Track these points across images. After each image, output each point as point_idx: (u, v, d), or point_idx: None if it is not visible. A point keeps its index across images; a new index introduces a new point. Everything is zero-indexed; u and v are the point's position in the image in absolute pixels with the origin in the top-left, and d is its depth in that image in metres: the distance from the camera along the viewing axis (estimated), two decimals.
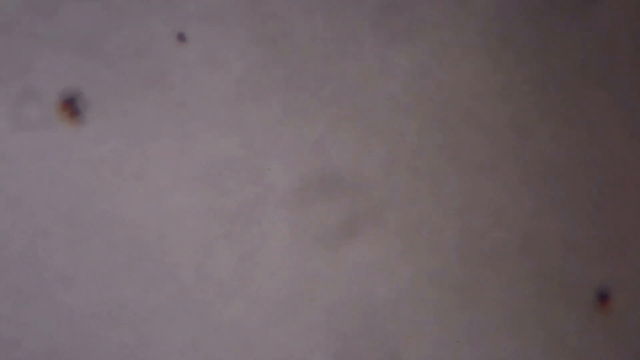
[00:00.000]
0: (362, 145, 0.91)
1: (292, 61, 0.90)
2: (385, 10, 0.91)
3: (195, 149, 0.88)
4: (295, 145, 0.90)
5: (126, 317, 0.87)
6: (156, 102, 0.87)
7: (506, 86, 0.94)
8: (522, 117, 0.94)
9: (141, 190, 0.87)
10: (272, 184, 0.90)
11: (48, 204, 0.86)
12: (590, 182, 0.96)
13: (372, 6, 0.91)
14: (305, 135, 0.90)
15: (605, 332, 0.96)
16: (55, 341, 0.86)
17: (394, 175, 0.92)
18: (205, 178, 0.88)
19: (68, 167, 0.86)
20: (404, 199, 0.92)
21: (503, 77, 0.94)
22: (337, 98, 0.91)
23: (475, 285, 0.93)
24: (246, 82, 0.89)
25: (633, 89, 0.97)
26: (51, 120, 0.86)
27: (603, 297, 0.96)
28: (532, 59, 0.94)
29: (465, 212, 0.93)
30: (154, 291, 0.87)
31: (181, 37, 0.88)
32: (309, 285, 0.90)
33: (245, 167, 0.89)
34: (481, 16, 0.93)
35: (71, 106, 0.86)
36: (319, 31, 0.90)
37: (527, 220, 0.94)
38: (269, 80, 0.89)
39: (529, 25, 0.94)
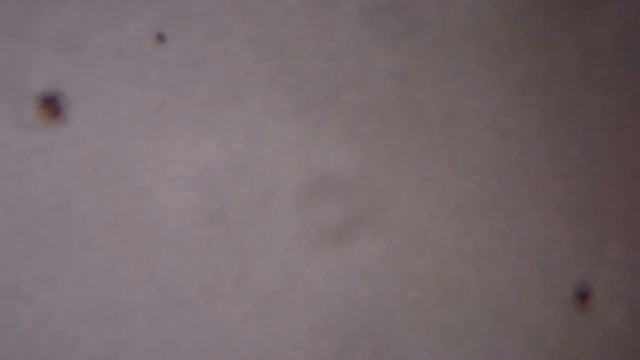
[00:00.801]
0: (342, 148, 0.91)
1: (272, 62, 0.90)
2: (366, 11, 0.92)
3: (175, 150, 0.88)
4: (275, 147, 0.90)
5: (106, 317, 0.87)
6: (136, 102, 0.87)
7: (487, 87, 0.94)
8: (502, 118, 0.95)
9: (121, 190, 0.87)
10: (253, 185, 0.90)
11: (28, 203, 0.86)
12: (570, 181, 0.96)
13: (352, 8, 0.91)
14: (285, 137, 0.90)
15: (585, 330, 0.97)
16: (34, 341, 0.86)
17: (375, 177, 0.92)
18: (185, 178, 0.88)
19: (48, 167, 0.86)
20: (385, 200, 0.92)
21: (484, 78, 0.94)
22: (317, 100, 0.91)
23: (457, 284, 0.94)
24: (226, 83, 0.89)
25: (613, 90, 0.97)
26: (32, 120, 0.86)
27: (583, 296, 0.96)
28: (513, 60, 0.95)
29: (447, 213, 0.93)
30: (135, 291, 0.87)
31: (160, 38, 0.88)
32: (292, 286, 0.91)
33: (225, 167, 0.89)
34: (462, 18, 0.94)
35: (52, 106, 0.86)
36: (300, 32, 0.90)
37: (507, 220, 0.95)
38: (248, 81, 0.89)
39: (509, 28, 0.95)
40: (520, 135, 0.95)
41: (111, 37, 0.87)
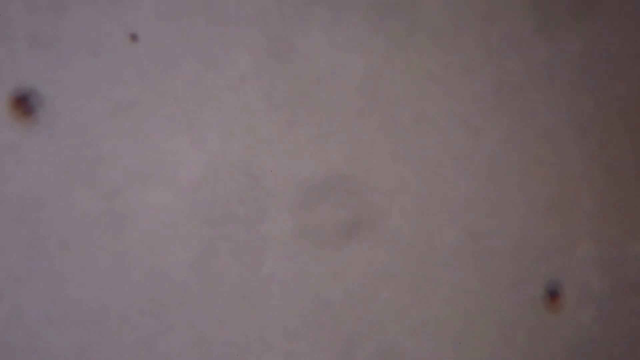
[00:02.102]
0: (314, 147, 0.91)
1: (245, 62, 0.90)
2: (338, 12, 0.92)
3: (148, 148, 0.88)
4: (247, 145, 0.90)
5: (78, 317, 0.86)
6: (109, 101, 0.87)
7: (458, 88, 0.95)
8: (473, 118, 0.95)
9: (94, 189, 0.87)
10: (228, 182, 0.90)
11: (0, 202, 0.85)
12: (540, 181, 0.97)
13: (324, 8, 0.92)
14: (258, 136, 0.90)
15: (555, 328, 0.97)
16: (4, 341, 0.85)
17: (347, 175, 0.92)
18: (158, 177, 0.88)
19: (20, 166, 0.85)
20: (356, 199, 0.92)
21: (454, 79, 0.95)
22: (290, 99, 0.91)
23: (428, 283, 0.94)
24: (198, 82, 0.89)
25: (581, 91, 0.98)
26: (4, 118, 0.85)
27: (553, 294, 0.97)
28: (483, 61, 0.95)
29: (418, 212, 0.94)
30: (107, 291, 0.87)
31: (134, 37, 0.88)
32: (266, 287, 0.91)
33: (199, 165, 0.89)
34: (432, 20, 0.94)
35: (24, 104, 0.86)
36: (272, 32, 0.90)
37: (478, 219, 0.95)
38: (221, 80, 0.89)
39: (479, 29, 0.95)
40: (491, 136, 0.96)
41: (85, 36, 0.86)
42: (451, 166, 0.94)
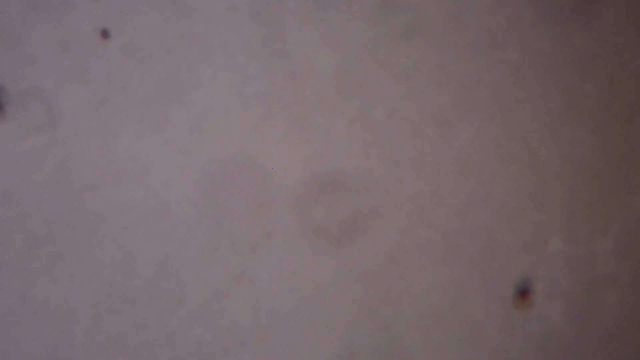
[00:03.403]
0: (287, 143, 0.91)
1: (217, 58, 0.90)
2: (310, 8, 0.92)
3: (119, 146, 0.87)
4: (219, 142, 0.90)
5: (48, 315, 0.86)
6: (79, 98, 0.86)
7: (430, 85, 0.95)
8: (444, 116, 0.95)
9: (63, 186, 0.86)
10: (200, 179, 0.89)
11: None
12: (511, 178, 0.97)
13: (298, 4, 0.91)
14: (229, 133, 0.90)
15: (525, 326, 0.98)
16: None
17: (319, 173, 0.92)
18: (128, 174, 0.88)
19: None
20: (328, 195, 0.92)
21: (427, 76, 0.95)
22: (262, 96, 0.91)
23: (398, 281, 0.94)
24: (170, 79, 0.88)
25: (553, 88, 0.98)
26: None
27: (523, 292, 0.97)
28: (454, 59, 0.96)
29: (389, 210, 0.94)
30: (77, 289, 0.86)
31: (104, 34, 0.87)
32: (237, 285, 0.91)
33: (169, 163, 0.89)
34: (405, 16, 0.94)
35: None
36: (244, 28, 0.90)
37: (448, 217, 0.96)
38: (192, 77, 0.89)
39: (451, 27, 0.96)
40: (462, 133, 0.96)
41: (54, 33, 0.86)
42: (422, 163, 0.95)
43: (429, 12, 0.95)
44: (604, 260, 1.00)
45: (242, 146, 0.90)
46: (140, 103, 0.88)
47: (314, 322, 0.92)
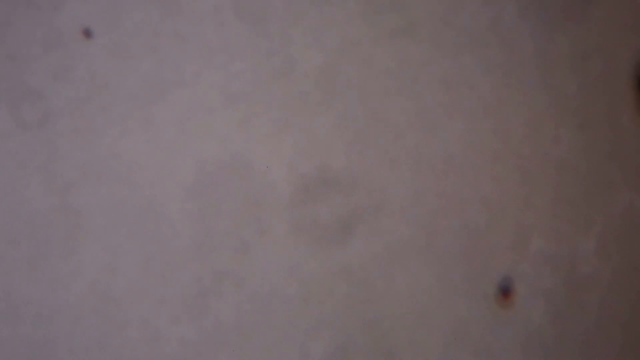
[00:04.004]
0: (271, 142, 0.91)
1: (200, 57, 0.89)
2: (295, 7, 0.92)
3: (102, 145, 0.87)
4: (203, 140, 0.90)
5: (31, 315, 0.86)
6: (62, 97, 0.86)
7: (413, 84, 0.95)
8: (428, 115, 0.96)
9: (47, 185, 0.86)
10: (183, 178, 0.89)
11: None
12: (493, 177, 0.97)
13: (281, 3, 0.91)
14: (214, 131, 0.90)
15: (507, 325, 0.98)
16: None
17: (303, 172, 0.92)
18: (112, 174, 0.87)
19: None
20: (311, 195, 0.93)
21: (410, 74, 0.95)
22: (246, 94, 0.91)
23: (382, 280, 0.94)
24: (154, 78, 0.88)
25: (534, 87, 0.99)
26: None
27: (505, 291, 0.98)
28: (438, 58, 0.96)
29: (372, 209, 0.94)
30: (60, 288, 0.86)
31: (87, 33, 0.87)
32: (221, 284, 0.90)
33: (153, 162, 0.89)
34: (389, 16, 0.95)
35: None
36: (228, 26, 0.90)
37: (431, 216, 0.96)
38: (176, 75, 0.89)
39: (434, 26, 0.96)
40: (444, 132, 0.96)
41: (36, 32, 0.86)
42: (405, 162, 0.95)
43: (413, 12, 0.95)
44: (586, 260, 1.00)
45: (227, 145, 0.90)
46: (124, 102, 0.88)
47: (298, 322, 0.92)
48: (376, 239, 0.94)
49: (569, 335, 1.00)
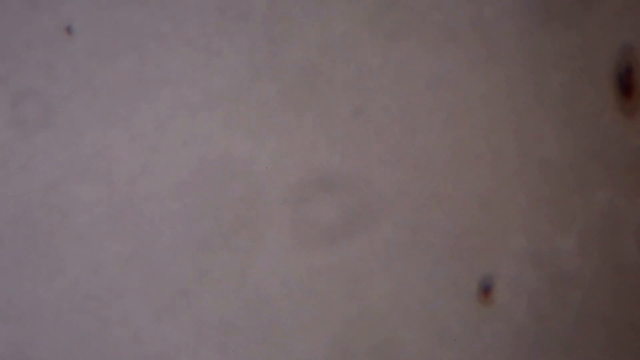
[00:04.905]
0: (254, 141, 0.91)
1: (183, 55, 0.89)
2: (277, 5, 0.92)
3: (84, 143, 0.87)
4: (185, 139, 0.90)
5: (13, 313, 0.85)
6: (44, 95, 0.86)
7: (396, 82, 0.95)
8: (410, 113, 0.96)
9: (29, 183, 0.86)
10: (165, 177, 0.89)
11: None
12: (475, 176, 0.98)
13: (263, 1, 0.91)
14: (195, 130, 0.90)
15: (489, 323, 0.98)
16: None
17: (286, 170, 0.92)
18: (93, 171, 0.87)
19: None
20: (297, 194, 0.93)
21: (392, 72, 0.95)
22: (228, 92, 0.91)
23: (364, 277, 0.95)
24: (135, 76, 0.88)
25: (516, 86, 0.99)
26: None
27: (486, 289, 0.98)
28: (420, 56, 0.96)
29: (355, 207, 0.94)
30: (41, 287, 0.86)
31: (69, 30, 0.87)
32: (202, 282, 0.90)
33: (135, 160, 0.88)
34: (370, 14, 0.95)
35: None
36: (210, 25, 0.90)
37: (413, 214, 0.96)
38: (158, 74, 0.89)
39: (416, 24, 0.96)
40: (426, 130, 0.96)
41: (18, 29, 0.85)
42: (387, 160, 0.95)
43: (394, 9, 0.95)
44: (567, 258, 1.00)
45: (210, 143, 0.90)
46: (106, 100, 0.87)
47: (281, 321, 0.92)
48: (360, 237, 0.94)
49: (551, 332, 1.00)
